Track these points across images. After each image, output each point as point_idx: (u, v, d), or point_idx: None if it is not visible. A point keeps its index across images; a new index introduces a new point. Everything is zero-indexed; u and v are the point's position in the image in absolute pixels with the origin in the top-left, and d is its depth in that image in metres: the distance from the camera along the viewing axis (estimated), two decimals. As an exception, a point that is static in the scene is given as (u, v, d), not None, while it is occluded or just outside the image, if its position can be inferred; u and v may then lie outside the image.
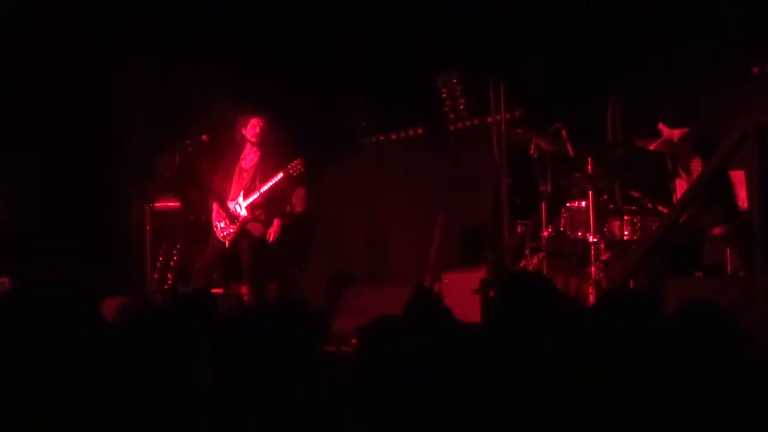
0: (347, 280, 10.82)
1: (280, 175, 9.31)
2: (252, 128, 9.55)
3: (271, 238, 9.40)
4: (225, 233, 9.46)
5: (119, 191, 11.01)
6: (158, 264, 10.79)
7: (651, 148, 8.55)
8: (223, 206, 9.49)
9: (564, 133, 8.97)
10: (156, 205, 10.38)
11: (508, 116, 9.01)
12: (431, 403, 3.20)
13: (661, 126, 8.26)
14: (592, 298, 8.15)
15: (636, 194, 8.65)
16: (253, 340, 3.04)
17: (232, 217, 9.41)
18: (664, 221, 7.28)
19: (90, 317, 2.71)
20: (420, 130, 11.71)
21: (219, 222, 9.52)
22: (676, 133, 8.18)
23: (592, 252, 8.45)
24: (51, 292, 2.68)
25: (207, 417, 3.00)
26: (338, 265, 11.61)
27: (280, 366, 2.98)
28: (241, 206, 9.42)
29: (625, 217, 8.55)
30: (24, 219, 10.31)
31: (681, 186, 8.14)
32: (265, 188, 9.35)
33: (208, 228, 9.65)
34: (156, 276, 10.61)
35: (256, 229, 9.42)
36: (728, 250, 8.16)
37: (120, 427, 2.75)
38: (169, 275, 10.91)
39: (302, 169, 9.30)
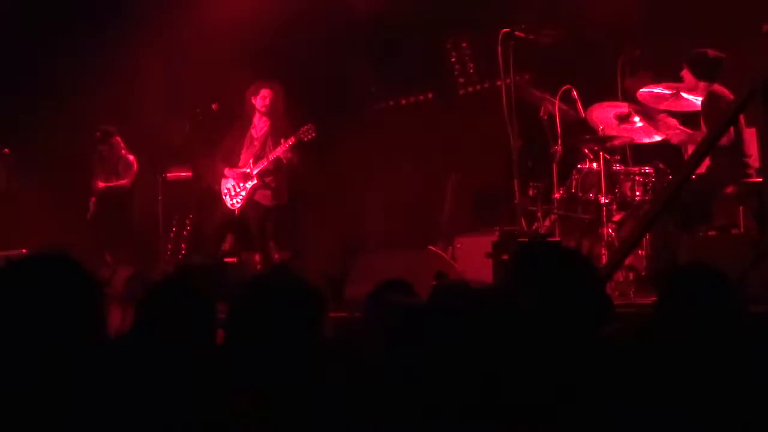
0: (360, 246, 10.82)
1: (292, 140, 9.30)
2: (262, 99, 9.55)
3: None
4: (234, 201, 9.46)
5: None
6: (171, 234, 10.81)
7: (660, 108, 8.51)
8: (234, 172, 9.49)
9: (575, 93, 8.93)
10: (167, 175, 10.39)
11: (518, 79, 8.96)
12: (439, 368, 3.18)
13: (685, 73, 8.18)
14: (604, 260, 8.14)
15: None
16: (253, 306, 3.04)
17: (245, 178, 9.40)
18: (675, 178, 7.24)
19: (88, 290, 2.70)
20: (430, 95, 11.66)
21: (228, 189, 9.52)
22: (702, 85, 8.11)
23: (604, 213, 8.43)
24: (46, 266, 2.68)
25: (218, 382, 3.00)
26: (351, 231, 11.60)
27: (281, 330, 2.98)
28: (251, 173, 9.41)
29: (637, 178, 8.52)
30: (34, 190, 10.36)
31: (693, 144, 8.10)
32: (275, 154, 9.35)
33: (218, 196, 9.65)
34: (169, 246, 10.64)
35: (264, 196, 9.43)
36: (741, 208, 8.13)
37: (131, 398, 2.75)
38: (182, 245, 10.94)
39: (314, 134, 9.28)
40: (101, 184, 10.43)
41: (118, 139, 10.51)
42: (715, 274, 3.50)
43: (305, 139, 9.29)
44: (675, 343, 3.18)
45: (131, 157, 10.51)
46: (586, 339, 2.88)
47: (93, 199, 10.40)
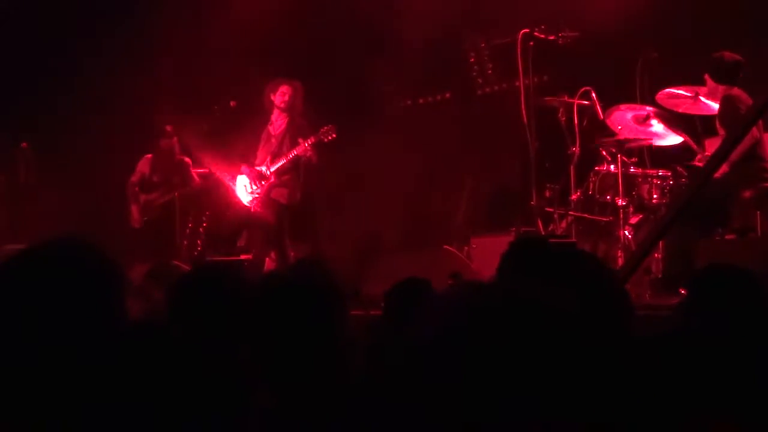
0: (377, 245, 10.83)
1: (312, 139, 9.31)
2: (281, 95, 9.56)
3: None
4: (250, 198, 9.48)
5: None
6: (187, 230, 10.82)
7: (678, 111, 8.50)
8: (250, 169, 9.51)
9: (593, 95, 8.91)
10: (185, 171, 10.39)
11: (536, 80, 8.96)
12: (457, 365, 3.17)
13: (706, 77, 8.16)
14: (621, 262, 8.12)
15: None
16: (271, 304, 3.04)
17: (261, 177, 9.42)
18: (693, 181, 7.23)
19: (112, 281, 2.70)
20: (448, 95, 11.65)
21: (244, 186, 9.53)
22: (721, 89, 8.08)
23: (621, 215, 8.41)
24: (64, 254, 2.67)
25: (237, 380, 2.99)
26: (368, 231, 11.60)
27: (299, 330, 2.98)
28: (268, 171, 9.43)
29: (654, 181, 8.50)
30: (51, 184, 10.39)
31: (711, 146, 8.08)
32: (293, 153, 9.36)
33: (233, 193, 9.67)
34: (185, 242, 10.64)
35: (281, 194, 9.44)
36: (758, 212, 8.11)
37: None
38: (198, 242, 10.94)
39: (335, 135, 9.30)
40: (158, 198, 10.28)
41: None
42: (744, 274, 3.49)
43: (325, 140, 9.30)
44: (706, 344, 3.16)
45: (188, 160, 10.40)
46: (611, 341, 2.87)
47: (136, 206, 10.25)
